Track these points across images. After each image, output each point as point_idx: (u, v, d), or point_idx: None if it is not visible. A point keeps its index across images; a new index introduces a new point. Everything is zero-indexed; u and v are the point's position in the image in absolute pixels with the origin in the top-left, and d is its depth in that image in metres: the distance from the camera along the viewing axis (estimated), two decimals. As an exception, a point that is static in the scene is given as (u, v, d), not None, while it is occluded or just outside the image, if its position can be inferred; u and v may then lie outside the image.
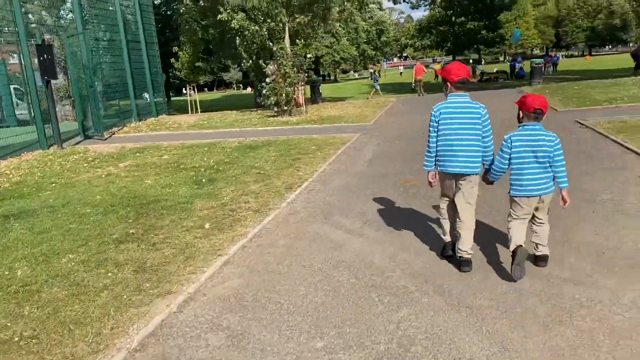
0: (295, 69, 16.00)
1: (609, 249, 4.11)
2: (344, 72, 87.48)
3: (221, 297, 3.89)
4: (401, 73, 65.51)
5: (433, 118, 3.90)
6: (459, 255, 3.94)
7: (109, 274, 4.50)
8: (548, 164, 3.62)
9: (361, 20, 72.71)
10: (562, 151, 3.62)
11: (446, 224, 4.18)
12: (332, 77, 78.63)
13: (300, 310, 3.58)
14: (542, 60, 25.84)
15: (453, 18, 31.62)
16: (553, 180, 3.67)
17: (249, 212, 6.18)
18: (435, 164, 3.99)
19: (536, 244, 3.87)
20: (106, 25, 16.69)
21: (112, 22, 16.67)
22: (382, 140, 10.91)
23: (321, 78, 24.31)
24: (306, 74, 17.30)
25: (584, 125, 9.92)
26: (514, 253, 3.62)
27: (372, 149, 9.84)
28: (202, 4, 22.19)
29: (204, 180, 8.06)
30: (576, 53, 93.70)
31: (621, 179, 6.04)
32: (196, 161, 9.83)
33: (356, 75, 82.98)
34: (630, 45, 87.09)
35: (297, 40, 17.02)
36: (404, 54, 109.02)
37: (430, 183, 4.11)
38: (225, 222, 5.78)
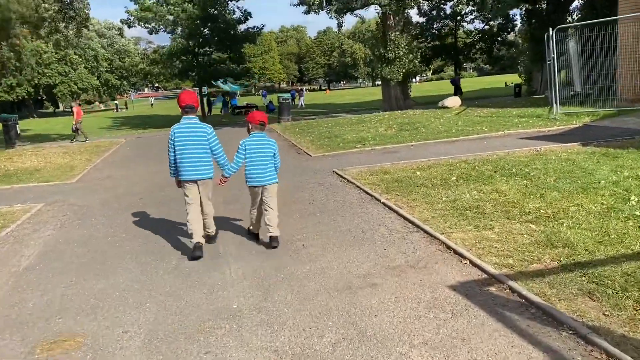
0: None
1: None
2: (89, 103, 77.71)
3: None
4: (152, 105, 60.88)
5: (170, 137, 4.97)
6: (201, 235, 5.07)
7: None
8: (272, 161, 5.07)
9: (100, 47, 65.71)
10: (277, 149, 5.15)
11: (192, 225, 4.97)
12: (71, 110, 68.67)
13: None
14: (290, 95, 24.99)
15: (196, 48, 28.98)
16: (274, 174, 5.11)
17: None
18: (177, 173, 5.07)
19: (268, 226, 5.03)
20: None
21: None
22: (74, 215, 7.12)
23: (16, 116, 18.72)
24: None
25: (344, 178, 7.91)
26: (253, 234, 5.37)
27: (44, 240, 5.99)
28: None
29: None
30: (317, 87, 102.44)
31: (417, 294, 3.69)
32: None
33: (102, 106, 74.67)
34: (360, 81, 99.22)
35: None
36: (155, 85, 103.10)
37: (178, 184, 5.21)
38: None
